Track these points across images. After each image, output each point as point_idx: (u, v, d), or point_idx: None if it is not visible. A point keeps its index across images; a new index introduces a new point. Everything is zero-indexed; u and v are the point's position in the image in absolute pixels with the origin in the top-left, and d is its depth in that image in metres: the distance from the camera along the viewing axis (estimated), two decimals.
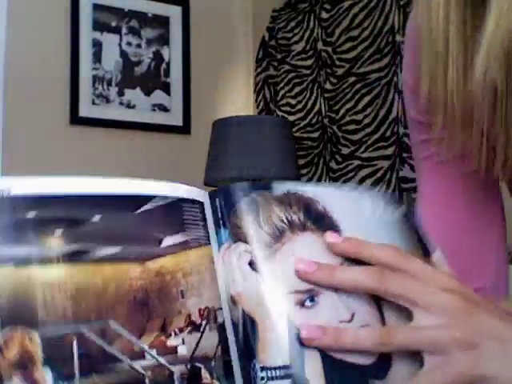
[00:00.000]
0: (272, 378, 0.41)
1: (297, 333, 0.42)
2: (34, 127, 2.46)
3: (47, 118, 2.49)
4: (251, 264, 0.44)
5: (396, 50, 2.26)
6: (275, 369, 0.42)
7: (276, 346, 0.42)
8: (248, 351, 0.43)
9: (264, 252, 0.44)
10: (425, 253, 0.49)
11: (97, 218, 0.43)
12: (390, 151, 2.25)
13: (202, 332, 0.43)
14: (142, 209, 0.44)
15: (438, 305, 0.43)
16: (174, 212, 0.45)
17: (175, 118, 2.73)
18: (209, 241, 0.46)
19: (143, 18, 2.70)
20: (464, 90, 0.56)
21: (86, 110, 2.55)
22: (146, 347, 0.40)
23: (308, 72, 2.59)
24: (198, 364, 0.42)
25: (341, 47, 2.47)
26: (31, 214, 0.41)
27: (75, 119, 2.53)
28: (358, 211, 0.48)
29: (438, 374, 0.42)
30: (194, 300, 0.43)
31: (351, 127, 2.40)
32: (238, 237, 0.45)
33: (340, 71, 2.46)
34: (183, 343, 0.42)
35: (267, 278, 0.44)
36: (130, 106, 2.64)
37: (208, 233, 0.46)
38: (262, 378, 0.42)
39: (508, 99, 0.55)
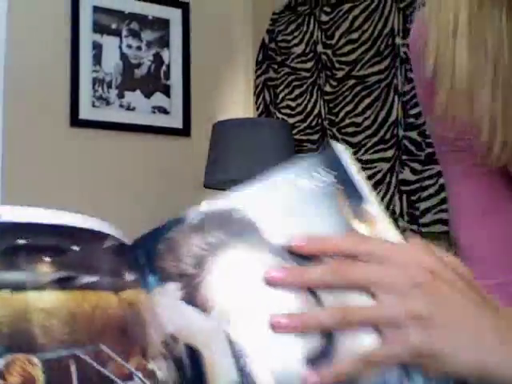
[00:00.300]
0: None
1: (238, 353, 0.43)
2: (34, 129, 2.47)
3: (47, 120, 2.50)
4: (184, 299, 0.45)
5: (396, 53, 2.26)
6: None
7: (222, 368, 0.43)
8: (198, 381, 0.44)
9: (191, 284, 0.45)
10: (357, 208, 0.49)
11: (76, 247, 0.44)
12: (389, 154, 2.25)
13: (167, 360, 0.44)
14: (105, 244, 0.46)
15: (399, 283, 0.44)
16: (124, 253, 0.47)
17: (175, 121, 2.73)
18: (137, 282, 0.48)
19: (143, 21, 2.70)
20: (469, 62, 0.58)
21: (86, 112, 2.55)
22: (134, 370, 0.42)
23: (308, 74, 2.60)
24: None
25: (340, 50, 2.47)
26: (21, 241, 0.42)
27: (75, 121, 2.53)
28: (281, 199, 0.49)
29: (391, 347, 0.43)
30: (155, 331, 0.45)
31: (351, 130, 2.40)
32: (166, 278, 0.46)
33: (340, 74, 2.46)
34: (159, 369, 0.43)
35: (200, 306, 0.45)
36: (130, 108, 2.64)
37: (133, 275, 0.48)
38: None
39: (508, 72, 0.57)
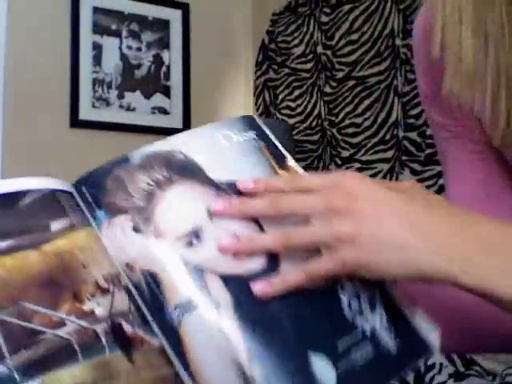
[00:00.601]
0: (187, 311, 0.47)
1: (193, 268, 0.48)
2: (34, 130, 2.47)
3: (47, 120, 2.50)
4: (135, 229, 0.50)
5: (396, 54, 2.26)
6: (186, 303, 0.47)
7: (180, 285, 0.48)
8: (158, 303, 0.47)
9: (142, 215, 0.50)
10: (280, 161, 0.57)
11: None
12: (389, 154, 2.25)
13: (113, 293, 0.48)
14: (22, 202, 0.49)
15: (322, 209, 0.49)
16: (52, 201, 0.50)
17: (175, 121, 2.73)
18: (89, 223, 0.51)
19: (143, 22, 2.70)
20: (474, 47, 0.62)
21: (86, 112, 2.55)
22: (63, 315, 0.45)
23: (308, 75, 2.60)
24: (117, 320, 0.46)
25: (340, 51, 2.47)
26: None
27: (75, 122, 2.53)
28: (215, 146, 0.55)
29: (326, 263, 0.48)
30: (96, 268, 0.48)
31: (351, 130, 2.41)
32: (115, 212, 0.50)
33: (340, 75, 2.46)
34: (98, 305, 0.46)
35: (152, 235, 0.49)
36: (130, 108, 2.64)
37: (86, 216, 0.51)
38: (178, 316, 0.47)
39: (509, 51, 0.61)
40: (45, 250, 0.47)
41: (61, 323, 0.44)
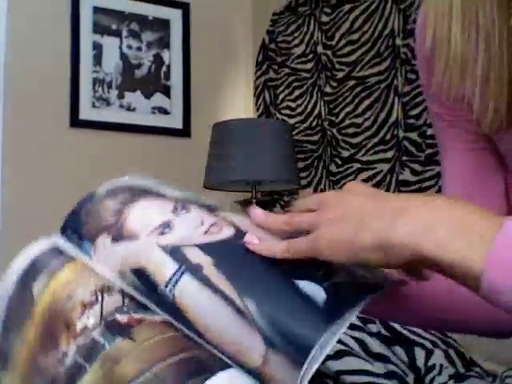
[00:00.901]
0: (176, 282, 0.53)
1: (170, 248, 0.55)
2: (34, 130, 2.47)
3: (47, 120, 2.50)
4: (114, 240, 0.58)
5: (396, 54, 2.26)
6: (173, 275, 0.53)
7: (162, 265, 0.54)
8: (152, 288, 0.54)
9: (115, 227, 0.58)
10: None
11: None
12: (389, 154, 2.25)
13: (102, 300, 0.54)
14: (10, 295, 0.57)
15: (311, 220, 0.56)
16: (30, 271, 0.58)
17: (175, 121, 2.73)
18: (72, 258, 0.59)
19: (143, 21, 2.70)
20: (463, 40, 0.65)
21: (86, 112, 2.55)
22: (63, 349, 0.51)
23: (308, 75, 2.60)
24: (109, 318, 0.52)
25: (341, 51, 2.47)
26: None
27: (75, 122, 2.53)
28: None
29: (299, 246, 0.55)
30: (81, 291, 0.54)
31: (351, 130, 2.40)
32: (94, 236, 0.59)
33: (340, 75, 2.46)
34: (88, 318, 0.52)
35: (128, 239, 0.57)
36: (130, 108, 2.64)
37: (67, 256, 0.59)
38: (170, 290, 0.53)
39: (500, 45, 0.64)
40: (35, 317, 0.54)
41: (64, 354, 0.50)
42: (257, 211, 0.59)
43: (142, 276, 0.55)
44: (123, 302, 0.53)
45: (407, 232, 0.49)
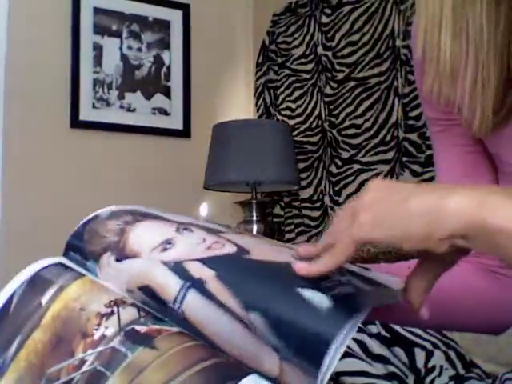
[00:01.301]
0: (183, 299, 0.53)
1: (172, 264, 0.55)
2: (34, 130, 2.47)
3: (48, 121, 2.50)
4: (117, 260, 0.59)
5: (396, 55, 2.26)
6: (179, 292, 0.53)
7: (167, 282, 0.54)
8: (162, 306, 0.54)
9: (118, 246, 0.59)
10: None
11: None
12: (389, 155, 2.25)
13: (118, 312, 0.54)
14: (12, 306, 0.58)
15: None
16: (37, 282, 0.59)
17: (175, 122, 2.73)
18: (81, 275, 0.60)
19: (144, 22, 2.70)
20: (452, 48, 0.67)
21: (86, 113, 2.55)
22: (80, 355, 0.52)
23: (308, 76, 2.60)
24: (128, 328, 0.53)
25: (341, 52, 2.47)
26: None
27: (76, 123, 2.53)
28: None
29: (339, 247, 0.52)
30: (95, 304, 0.55)
31: (351, 131, 2.40)
32: (99, 255, 0.60)
33: (340, 76, 2.46)
34: (106, 328, 0.53)
35: (132, 255, 0.58)
36: (130, 109, 2.64)
37: (76, 272, 0.60)
38: (179, 307, 0.53)
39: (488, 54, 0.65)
40: (44, 323, 0.54)
41: (82, 361, 0.51)
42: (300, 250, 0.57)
43: (149, 293, 0.55)
44: (139, 314, 0.54)
45: (466, 196, 0.47)
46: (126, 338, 0.51)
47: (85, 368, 0.50)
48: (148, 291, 0.55)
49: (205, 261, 0.55)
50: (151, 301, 0.55)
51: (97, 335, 0.52)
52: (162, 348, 0.50)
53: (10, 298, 0.57)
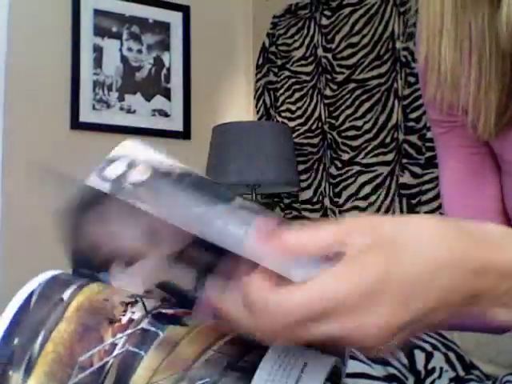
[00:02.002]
0: (200, 286, 0.52)
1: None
2: (34, 132, 2.47)
3: (48, 122, 2.50)
4: (126, 265, 0.58)
5: (396, 57, 2.26)
6: (198, 280, 0.52)
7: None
8: (184, 296, 0.54)
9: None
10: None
11: None
12: (389, 157, 2.26)
13: (142, 301, 0.55)
14: (31, 303, 0.57)
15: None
16: (55, 283, 0.58)
17: (175, 124, 2.73)
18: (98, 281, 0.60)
19: (144, 24, 2.70)
20: (454, 57, 0.67)
21: (86, 115, 2.55)
22: (110, 340, 0.52)
23: (308, 78, 2.60)
24: (155, 311, 0.54)
25: (341, 53, 2.47)
26: None
27: (76, 124, 2.53)
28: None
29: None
30: (117, 296, 0.56)
31: (351, 133, 2.41)
32: (108, 266, 0.59)
33: (340, 77, 2.46)
34: (133, 313, 0.53)
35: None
36: (130, 111, 2.64)
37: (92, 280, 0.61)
38: (199, 293, 0.52)
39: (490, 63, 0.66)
40: (67, 316, 0.55)
41: (113, 345, 0.52)
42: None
43: (169, 289, 0.56)
44: (162, 303, 0.56)
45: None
46: (155, 319, 0.53)
47: (117, 351, 0.52)
48: (165, 286, 0.55)
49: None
50: (172, 295, 0.56)
51: (124, 319, 0.53)
52: (191, 325, 0.52)
53: (29, 297, 0.58)
